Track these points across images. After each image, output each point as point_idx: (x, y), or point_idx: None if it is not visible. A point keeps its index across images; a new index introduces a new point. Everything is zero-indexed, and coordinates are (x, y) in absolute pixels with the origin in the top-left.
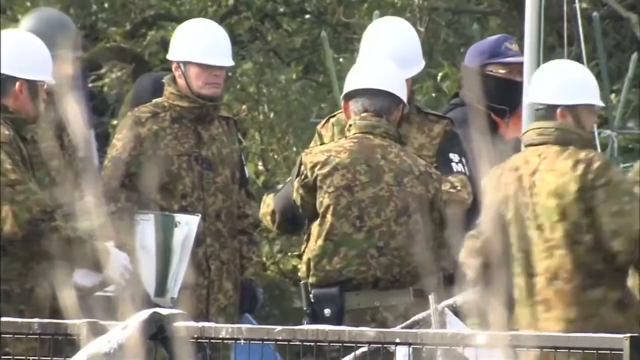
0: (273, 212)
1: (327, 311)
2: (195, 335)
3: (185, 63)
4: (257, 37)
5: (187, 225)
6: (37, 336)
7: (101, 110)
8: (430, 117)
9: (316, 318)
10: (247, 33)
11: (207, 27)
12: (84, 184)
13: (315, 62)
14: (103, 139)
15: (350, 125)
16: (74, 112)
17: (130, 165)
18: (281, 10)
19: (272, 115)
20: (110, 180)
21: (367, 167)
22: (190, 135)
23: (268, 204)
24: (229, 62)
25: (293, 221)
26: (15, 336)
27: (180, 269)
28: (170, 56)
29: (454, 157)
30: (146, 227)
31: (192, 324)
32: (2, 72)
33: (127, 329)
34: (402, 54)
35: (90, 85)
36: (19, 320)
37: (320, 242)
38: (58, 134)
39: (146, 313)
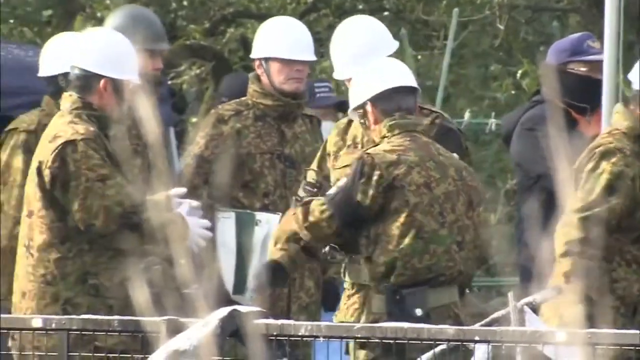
0: (330, 217)
1: (418, 311)
2: (275, 333)
3: (268, 59)
4: None
5: (268, 224)
6: (117, 333)
7: (180, 107)
8: (424, 111)
9: (403, 319)
10: (325, 30)
11: (288, 24)
12: (157, 181)
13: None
14: (182, 137)
15: (390, 125)
16: (149, 109)
17: (213, 163)
18: (360, 7)
19: None
20: (192, 177)
21: (434, 163)
22: (273, 133)
23: (322, 210)
24: (311, 57)
25: (351, 226)
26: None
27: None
28: (253, 54)
29: None
30: (227, 224)
31: (272, 321)
32: (88, 69)
33: (207, 326)
34: (370, 46)
35: (169, 82)
36: (99, 317)
37: (408, 240)
38: (138, 131)
39: (225, 310)
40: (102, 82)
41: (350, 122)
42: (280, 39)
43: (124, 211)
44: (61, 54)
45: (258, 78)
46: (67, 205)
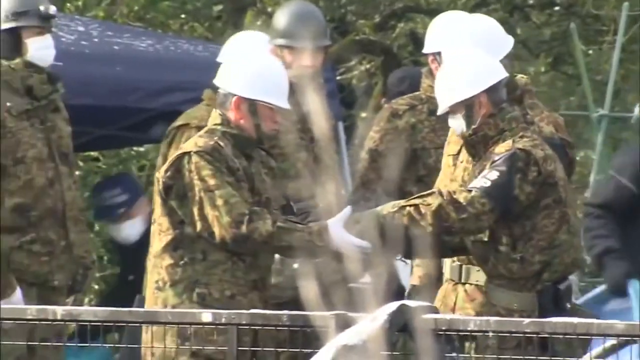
0: (492, 210)
1: (569, 305)
2: (444, 328)
3: (440, 54)
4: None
5: None
6: (286, 328)
7: (349, 102)
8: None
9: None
10: None
11: (461, 19)
12: (324, 176)
13: (564, 54)
14: (350, 132)
15: (509, 118)
16: (317, 104)
17: (387, 157)
18: (530, 2)
19: None
20: (367, 172)
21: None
22: (447, 127)
23: (482, 202)
24: None
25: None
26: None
27: None
28: (425, 49)
29: None
30: None
31: (440, 316)
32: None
33: (376, 321)
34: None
35: (338, 77)
36: (267, 312)
37: (563, 236)
38: (305, 127)
39: (394, 305)
40: (234, 99)
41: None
42: (450, 34)
43: (232, 220)
44: (229, 50)
45: (431, 73)
46: (183, 215)
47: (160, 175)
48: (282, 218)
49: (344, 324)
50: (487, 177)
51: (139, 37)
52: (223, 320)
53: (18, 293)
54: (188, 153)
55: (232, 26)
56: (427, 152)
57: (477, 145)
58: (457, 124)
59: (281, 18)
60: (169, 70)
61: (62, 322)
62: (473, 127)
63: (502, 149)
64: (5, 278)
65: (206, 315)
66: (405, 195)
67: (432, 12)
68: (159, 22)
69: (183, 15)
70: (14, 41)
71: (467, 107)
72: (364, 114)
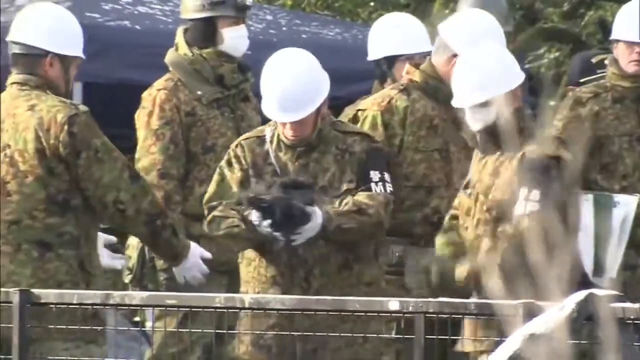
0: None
1: None
2: (632, 317)
3: (617, 41)
4: None
5: (626, 206)
6: (474, 316)
7: (537, 91)
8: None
9: None
10: None
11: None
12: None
13: None
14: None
15: (528, 116)
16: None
17: (570, 145)
18: None
19: None
20: None
21: None
22: (631, 115)
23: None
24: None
25: None
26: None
27: (619, 250)
28: (612, 36)
29: None
30: (585, 206)
31: (629, 305)
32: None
33: (563, 310)
34: None
35: (526, 66)
36: (455, 300)
37: None
38: None
39: (582, 294)
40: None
41: None
42: (627, 21)
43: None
44: (382, 37)
45: (616, 60)
46: None
47: None
48: None
49: (530, 313)
50: (532, 198)
51: (327, 26)
52: (410, 309)
53: (191, 256)
54: None
55: (420, 14)
56: (611, 139)
57: (499, 137)
58: (482, 117)
59: (463, 4)
60: (357, 58)
61: (250, 310)
62: (503, 118)
63: (531, 154)
64: (175, 248)
65: (393, 304)
66: (590, 183)
67: (622, 0)
68: (347, 11)
69: (372, 3)
70: (209, 30)
71: (505, 96)
72: (552, 102)
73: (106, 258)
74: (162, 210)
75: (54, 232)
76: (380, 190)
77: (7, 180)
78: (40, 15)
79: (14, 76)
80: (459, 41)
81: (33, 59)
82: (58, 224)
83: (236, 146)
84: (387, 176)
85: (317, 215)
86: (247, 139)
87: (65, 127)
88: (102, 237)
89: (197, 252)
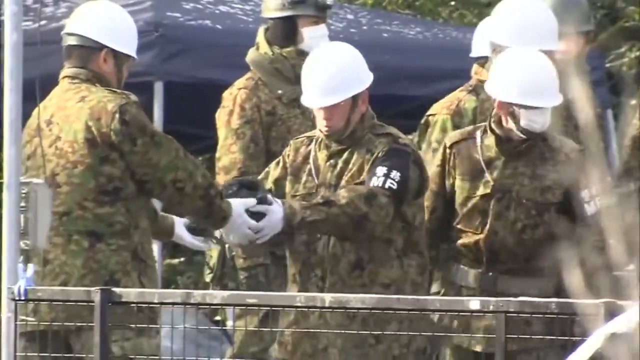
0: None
1: None
2: None
3: None
4: None
5: None
6: (555, 315)
7: (618, 90)
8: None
9: None
10: None
11: None
12: (590, 164)
13: None
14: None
15: None
16: (581, 91)
17: None
18: None
19: None
20: (630, 159)
21: None
22: None
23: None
24: None
25: None
26: None
27: None
28: None
29: None
30: None
31: None
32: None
33: None
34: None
35: (607, 65)
36: (536, 299)
37: None
38: (569, 114)
39: None
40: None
41: None
42: None
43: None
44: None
45: None
46: None
47: None
48: None
49: (611, 312)
50: (597, 204)
51: (407, 25)
52: (491, 308)
53: (236, 215)
54: None
55: None
56: None
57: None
58: (542, 119)
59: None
60: (438, 58)
61: (330, 310)
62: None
63: (573, 153)
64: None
65: (474, 303)
66: None
67: None
68: (428, 10)
69: (452, 3)
70: (289, 29)
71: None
72: (633, 102)
73: (188, 237)
74: (211, 178)
75: (105, 222)
76: (375, 185)
77: (56, 172)
78: (100, 10)
79: (66, 70)
80: (506, 36)
81: (88, 52)
82: (108, 214)
83: (288, 145)
84: (394, 174)
85: (274, 211)
86: (298, 138)
87: (117, 115)
88: (180, 220)
89: (239, 209)
